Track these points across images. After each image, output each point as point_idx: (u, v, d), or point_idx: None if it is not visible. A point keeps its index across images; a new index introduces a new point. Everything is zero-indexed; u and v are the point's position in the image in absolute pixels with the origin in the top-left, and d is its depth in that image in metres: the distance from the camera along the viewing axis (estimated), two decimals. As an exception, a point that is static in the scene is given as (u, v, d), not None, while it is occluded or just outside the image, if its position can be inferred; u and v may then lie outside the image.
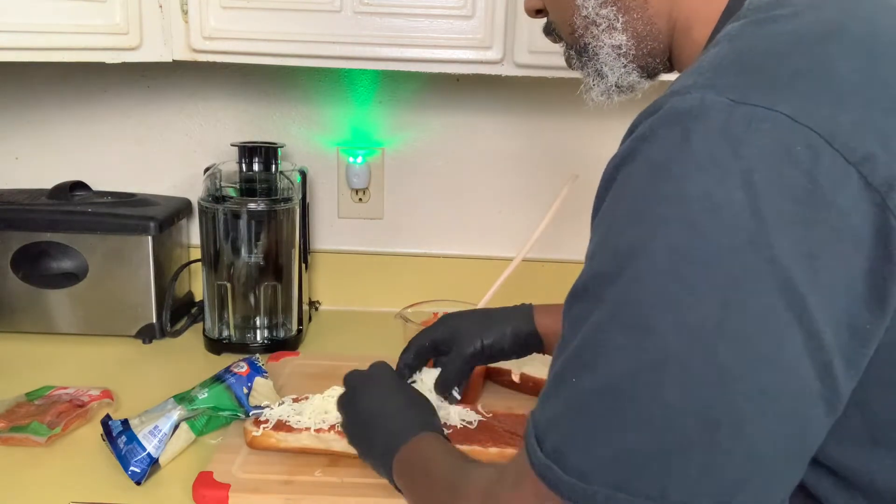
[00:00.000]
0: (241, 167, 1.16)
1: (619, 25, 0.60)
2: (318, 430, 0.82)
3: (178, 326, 1.23)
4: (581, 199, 1.28)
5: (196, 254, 1.23)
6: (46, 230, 1.15)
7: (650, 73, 0.63)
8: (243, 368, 0.92)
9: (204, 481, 0.78)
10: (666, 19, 0.58)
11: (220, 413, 0.88)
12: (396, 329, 1.01)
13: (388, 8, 1.01)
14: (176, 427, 0.84)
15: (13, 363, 1.09)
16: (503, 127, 1.31)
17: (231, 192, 1.15)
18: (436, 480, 0.60)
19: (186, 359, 1.14)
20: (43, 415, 0.89)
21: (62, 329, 1.18)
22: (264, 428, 0.83)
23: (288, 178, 1.17)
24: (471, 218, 1.35)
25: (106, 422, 0.86)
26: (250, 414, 0.87)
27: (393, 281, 1.34)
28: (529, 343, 0.87)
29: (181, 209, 1.27)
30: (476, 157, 1.32)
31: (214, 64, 1.05)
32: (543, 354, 0.90)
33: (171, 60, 1.03)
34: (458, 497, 0.54)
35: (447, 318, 0.89)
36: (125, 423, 0.85)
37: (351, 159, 1.31)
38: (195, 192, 1.21)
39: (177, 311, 1.23)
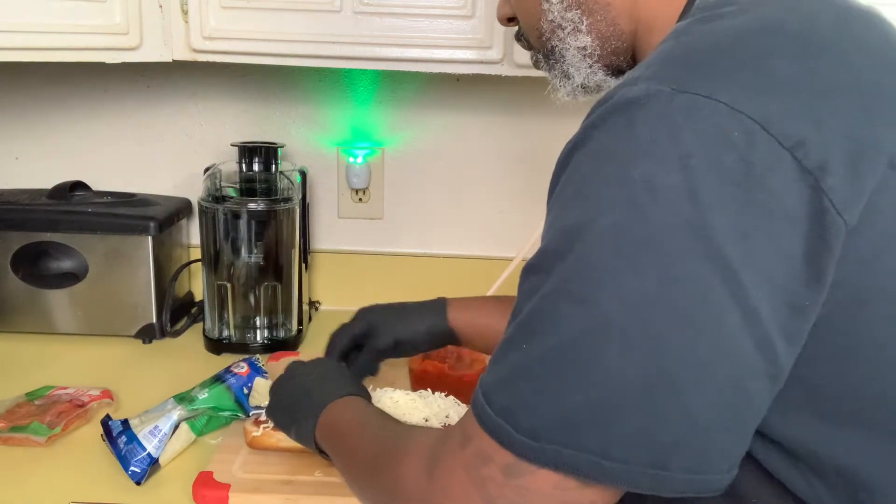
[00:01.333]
0: (241, 167, 1.16)
1: (583, 28, 0.62)
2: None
3: (178, 326, 1.23)
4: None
5: (196, 254, 1.23)
6: (46, 230, 1.15)
7: (615, 72, 0.65)
8: (243, 369, 0.92)
9: (204, 481, 0.78)
10: (628, 20, 0.61)
11: (220, 413, 0.88)
12: (396, 329, 1.01)
13: (388, 8, 1.01)
14: (176, 427, 0.84)
15: (13, 363, 1.09)
16: (503, 127, 1.31)
17: (231, 192, 1.15)
18: (373, 440, 0.61)
19: (186, 359, 1.14)
20: (43, 415, 0.89)
21: (62, 329, 1.18)
22: (264, 428, 0.83)
23: (288, 178, 1.17)
24: (471, 218, 1.35)
25: (106, 422, 0.86)
26: (250, 414, 0.87)
27: (393, 281, 1.34)
28: (443, 339, 0.91)
29: (181, 209, 1.27)
30: (476, 157, 1.32)
31: (214, 64, 1.05)
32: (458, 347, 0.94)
33: (171, 60, 1.03)
34: (401, 456, 0.54)
35: (363, 312, 0.93)
36: (125, 423, 0.85)
37: (351, 159, 1.31)
38: (195, 192, 1.21)
39: (177, 311, 1.23)
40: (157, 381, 1.06)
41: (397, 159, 1.32)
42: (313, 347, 1.20)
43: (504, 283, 0.99)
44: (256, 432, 0.83)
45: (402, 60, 1.03)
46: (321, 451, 0.70)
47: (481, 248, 1.35)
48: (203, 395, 0.88)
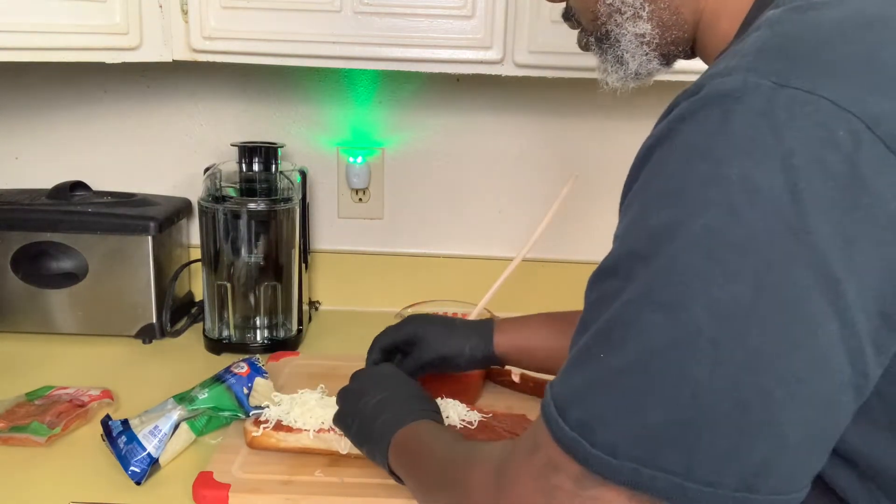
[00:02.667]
0: (241, 167, 1.16)
1: (644, 14, 0.60)
2: (318, 431, 0.82)
3: (178, 326, 1.23)
4: (581, 199, 1.29)
5: (196, 254, 1.23)
6: (46, 230, 1.14)
7: (669, 61, 0.63)
8: (243, 369, 0.92)
9: (204, 481, 0.78)
10: (692, 9, 0.59)
11: (221, 413, 0.88)
12: (396, 329, 1.01)
13: (388, 8, 1.01)
14: (176, 427, 0.84)
15: (13, 363, 1.09)
16: (503, 127, 1.31)
17: (231, 192, 1.15)
18: (441, 459, 0.60)
19: (186, 359, 1.14)
20: (43, 415, 0.89)
21: (62, 329, 1.18)
22: (264, 428, 0.83)
23: (288, 178, 1.17)
24: (471, 218, 1.35)
25: (106, 422, 0.86)
26: (251, 414, 0.87)
27: (393, 281, 1.34)
28: (487, 361, 0.91)
29: (181, 209, 1.27)
30: (476, 157, 1.32)
31: (214, 64, 1.05)
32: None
33: (171, 60, 1.03)
34: (468, 467, 0.54)
35: (412, 319, 0.92)
36: (125, 423, 0.85)
37: (351, 159, 1.31)
38: (195, 192, 1.21)
39: (177, 311, 1.23)
40: (157, 381, 1.06)
41: (397, 159, 1.32)
42: (313, 347, 1.20)
43: (504, 283, 0.99)
44: (256, 432, 0.83)
45: (402, 60, 1.03)
46: (394, 475, 0.70)
47: (481, 248, 1.35)
48: (203, 395, 0.88)
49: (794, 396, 0.40)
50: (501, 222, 1.35)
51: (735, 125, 0.41)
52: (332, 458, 0.83)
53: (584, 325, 0.47)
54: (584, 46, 0.67)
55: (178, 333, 1.21)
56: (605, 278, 0.46)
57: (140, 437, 0.82)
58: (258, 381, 0.91)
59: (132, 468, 0.80)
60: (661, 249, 0.42)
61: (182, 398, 0.88)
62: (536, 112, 1.30)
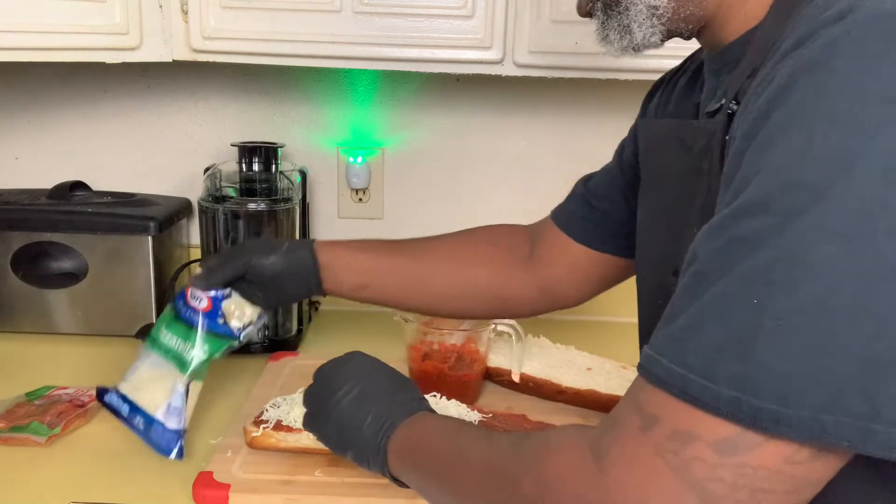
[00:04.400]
0: (241, 167, 1.16)
1: None
2: (318, 430, 0.82)
3: (178, 326, 1.22)
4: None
5: (196, 254, 1.23)
6: (46, 230, 1.15)
7: (668, 38, 0.62)
8: (203, 303, 0.84)
9: (204, 481, 0.78)
10: None
11: (215, 356, 0.84)
12: (396, 329, 1.01)
13: (388, 8, 1.01)
14: (187, 392, 0.82)
15: (13, 363, 1.09)
16: (503, 127, 1.31)
17: (231, 192, 1.15)
18: (484, 456, 0.54)
19: (186, 359, 1.14)
20: (43, 415, 0.89)
21: (62, 329, 1.18)
22: (264, 428, 0.83)
23: (288, 178, 1.17)
24: (471, 218, 1.34)
25: (107, 402, 0.83)
26: (241, 337, 0.85)
27: (393, 281, 1.34)
28: (302, 271, 0.86)
29: (181, 209, 1.27)
30: (476, 157, 1.32)
31: (214, 64, 1.05)
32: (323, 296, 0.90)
33: (171, 60, 1.03)
34: (547, 461, 0.48)
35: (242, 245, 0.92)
36: (127, 400, 0.82)
37: (351, 159, 1.31)
38: (195, 192, 1.21)
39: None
40: (157, 381, 1.06)
41: (397, 159, 1.32)
42: (313, 347, 1.20)
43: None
44: (256, 432, 0.83)
45: (402, 60, 1.03)
46: (396, 480, 0.64)
47: (481, 248, 1.35)
48: (194, 354, 0.82)
49: None
50: (501, 222, 1.34)
51: None
52: (332, 458, 0.82)
53: (707, 273, 0.42)
54: (587, 12, 0.65)
55: (178, 333, 1.21)
56: (747, 218, 0.41)
57: (160, 419, 0.80)
58: (224, 304, 0.84)
59: (172, 451, 0.79)
60: (835, 176, 0.39)
61: (180, 362, 0.82)
62: (536, 112, 1.30)
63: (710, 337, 0.41)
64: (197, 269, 0.88)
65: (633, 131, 0.83)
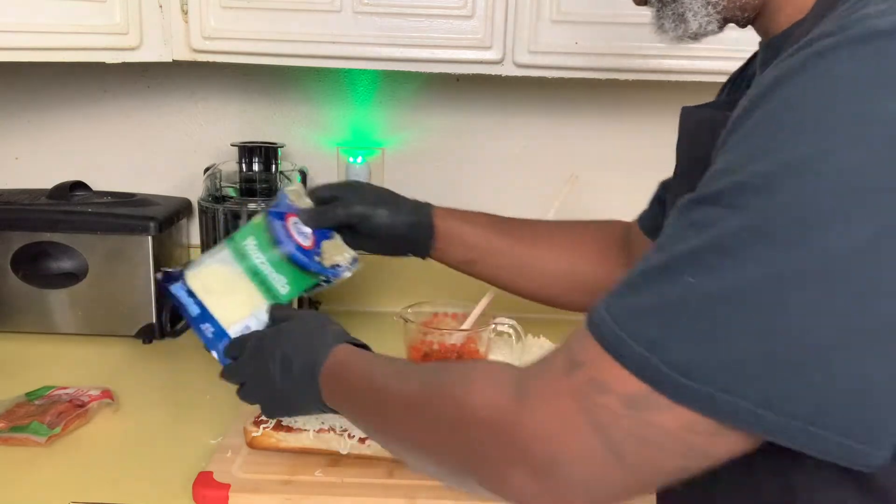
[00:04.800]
0: (241, 167, 1.16)
1: None
2: (318, 431, 0.82)
3: (178, 326, 1.22)
4: (581, 199, 1.29)
5: (196, 254, 1.23)
6: (46, 230, 1.14)
7: (724, 25, 0.62)
8: (308, 240, 0.79)
9: (204, 481, 0.78)
10: None
11: (302, 294, 0.80)
12: (396, 329, 1.01)
13: (388, 8, 1.01)
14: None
15: (13, 363, 1.09)
16: (503, 127, 1.31)
17: (231, 192, 1.15)
18: (416, 376, 0.57)
19: (186, 359, 1.14)
20: (43, 415, 0.89)
21: (62, 329, 1.18)
22: (264, 428, 0.83)
23: (288, 178, 1.17)
24: (471, 218, 1.35)
25: (174, 293, 0.79)
26: (333, 280, 0.80)
27: (393, 281, 1.34)
28: (419, 231, 0.88)
29: (181, 209, 1.27)
30: (476, 157, 1.32)
31: (214, 64, 1.05)
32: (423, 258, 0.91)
33: (171, 60, 1.03)
34: (469, 385, 0.51)
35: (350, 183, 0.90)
36: (199, 303, 0.78)
37: (351, 159, 1.31)
38: (195, 192, 1.21)
39: (177, 311, 1.23)
40: (157, 381, 1.06)
41: (397, 159, 1.32)
42: (313, 347, 1.20)
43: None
44: (256, 432, 0.83)
45: (402, 60, 1.03)
46: (329, 409, 0.66)
47: (481, 248, 1.35)
48: (287, 290, 0.78)
49: (888, 352, 0.40)
50: (501, 222, 1.34)
51: (889, 64, 0.40)
52: (332, 458, 0.83)
53: (663, 247, 0.46)
54: (643, 0, 0.65)
55: (178, 333, 1.21)
56: (704, 206, 0.44)
57: (233, 335, 0.76)
58: (325, 244, 0.80)
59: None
60: (786, 182, 0.40)
61: (267, 289, 0.78)
62: (536, 112, 1.30)
63: (643, 300, 0.45)
64: (292, 185, 0.83)
65: None
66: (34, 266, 1.16)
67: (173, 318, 1.21)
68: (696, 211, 0.45)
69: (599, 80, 1.05)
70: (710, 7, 0.59)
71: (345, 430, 0.82)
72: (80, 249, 1.15)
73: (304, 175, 1.20)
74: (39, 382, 0.99)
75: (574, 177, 0.96)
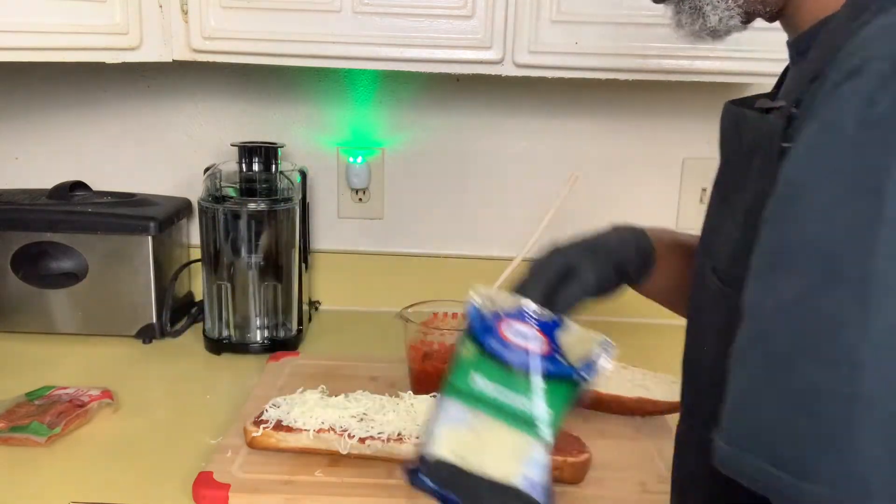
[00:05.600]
0: (241, 167, 1.16)
1: None
2: (318, 431, 0.82)
3: (178, 326, 1.23)
4: (581, 199, 1.29)
5: (196, 254, 1.23)
6: (46, 230, 1.15)
7: (750, 19, 0.59)
8: (537, 342, 0.61)
9: (204, 481, 0.78)
10: None
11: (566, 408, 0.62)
12: (397, 329, 1.01)
13: (388, 8, 1.01)
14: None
15: (13, 363, 1.09)
16: (503, 127, 1.31)
17: (231, 192, 1.15)
18: None
19: (186, 359, 1.14)
20: (43, 415, 0.89)
21: (62, 329, 1.18)
22: (264, 428, 0.83)
23: (288, 178, 1.17)
24: (471, 218, 1.35)
25: (427, 486, 0.60)
26: (591, 376, 0.62)
27: (393, 281, 1.34)
28: (647, 258, 0.72)
29: (181, 209, 1.27)
30: (476, 157, 1.32)
31: (214, 64, 1.05)
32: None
33: (171, 60, 1.03)
34: None
35: (558, 249, 0.71)
36: (456, 469, 0.60)
37: (351, 159, 1.31)
38: (195, 192, 1.21)
39: (177, 311, 1.23)
40: (157, 381, 1.06)
41: (397, 159, 1.32)
42: (313, 347, 1.20)
43: (504, 283, 0.99)
44: (256, 432, 0.83)
45: (402, 60, 1.03)
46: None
47: (481, 248, 1.35)
48: (540, 411, 0.60)
49: None
50: (501, 222, 1.35)
51: None
52: (332, 458, 0.83)
53: (752, 338, 0.42)
54: None
55: (178, 333, 1.21)
56: (782, 275, 0.41)
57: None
58: (561, 336, 0.63)
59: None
60: (856, 245, 0.39)
61: (522, 421, 0.60)
62: (536, 112, 1.30)
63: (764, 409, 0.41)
64: (476, 291, 0.65)
65: None
66: (34, 266, 1.16)
67: (173, 318, 1.21)
68: (775, 283, 0.42)
69: (599, 80, 1.05)
70: (730, 0, 0.57)
71: (345, 430, 0.82)
72: (80, 249, 1.15)
73: (304, 175, 1.20)
74: (39, 382, 0.99)
75: (574, 177, 0.95)
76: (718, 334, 0.53)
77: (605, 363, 0.62)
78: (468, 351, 0.64)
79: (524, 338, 0.62)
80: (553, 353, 0.61)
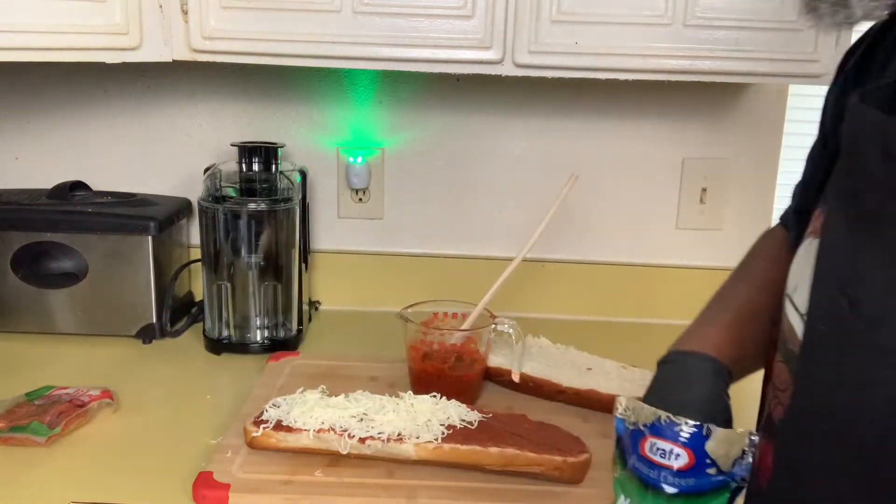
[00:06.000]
0: (241, 167, 1.16)
1: None
2: (318, 431, 0.82)
3: (178, 326, 1.23)
4: (581, 199, 1.29)
5: (196, 254, 1.23)
6: (46, 230, 1.15)
7: (894, 8, 0.52)
8: (682, 458, 0.59)
9: (204, 481, 0.78)
10: None
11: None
12: (396, 329, 1.01)
13: (388, 8, 1.00)
14: None
15: (13, 363, 1.09)
16: (503, 127, 1.31)
17: (231, 192, 1.15)
18: None
19: (186, 359, 1.14)
20: (43, 415, 0.89)
21: (62, 329, 1.18)
22: (264, 428, 0.83)
23: (288, 178, 1.17)
24: (471, 218, 1.35)
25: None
26: (740, 477, 0.59)
27: (393, 281, 1.34)
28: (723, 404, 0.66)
29: (181, 209, 1.27)
30: (476, 157, 1.32)
31: (214, 64, 1.05)
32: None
33: (171, 60, 1.03)
34: None
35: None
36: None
37: (351, 159, 1.31)
38: (195, 192, 1.21)
39: (177, 311, 1.23)
40: (157, 381, 1.06)
41: (397, 159, 1.32)
42: (313, 347, 1.20)
43: (504, 283, 0.99)
44: (256, 432, 0.83)
45: (402, 60, 1.03)
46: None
47: (481, 248, 1.35)
48: None
49: None
50: (501, 222, 1.35)
51: None
52: (332, 458, 0.83)
53: None
54: None
55: (177, 333, 1.21)
56: None
57: None
58: (709, 446, 0.59)
59: None
60: None
61: None
62: (536, 112, 1.30)
63: None
64: (621, 404, 0.63)
65: (827, 98, 0.69)
66: (34, 266, 1.16)
67: (173, 318, 1.21)
68: None
69: (599, 80, 1.05)
70: None
71: (345, 430, 0.82)
72: (80, 249, 1.15)
73: (304, 175, 1.20)
74: (39, 382, 0.99)
75: (574, 177, 0.96)
76: (880, 385, 0.45)
77: (751, 459, 0.59)
78: (616, 470, 0.63)
79: (663, 454, 0.59)
80: (700, 464, 0.59)
